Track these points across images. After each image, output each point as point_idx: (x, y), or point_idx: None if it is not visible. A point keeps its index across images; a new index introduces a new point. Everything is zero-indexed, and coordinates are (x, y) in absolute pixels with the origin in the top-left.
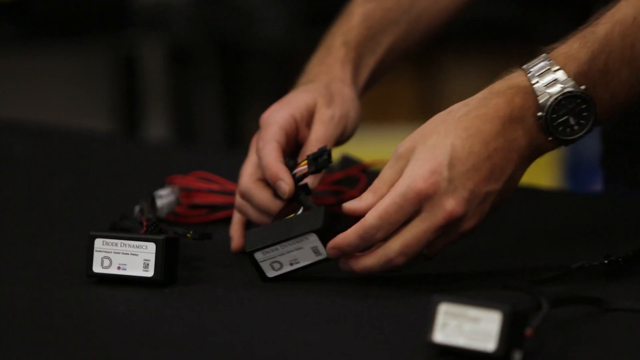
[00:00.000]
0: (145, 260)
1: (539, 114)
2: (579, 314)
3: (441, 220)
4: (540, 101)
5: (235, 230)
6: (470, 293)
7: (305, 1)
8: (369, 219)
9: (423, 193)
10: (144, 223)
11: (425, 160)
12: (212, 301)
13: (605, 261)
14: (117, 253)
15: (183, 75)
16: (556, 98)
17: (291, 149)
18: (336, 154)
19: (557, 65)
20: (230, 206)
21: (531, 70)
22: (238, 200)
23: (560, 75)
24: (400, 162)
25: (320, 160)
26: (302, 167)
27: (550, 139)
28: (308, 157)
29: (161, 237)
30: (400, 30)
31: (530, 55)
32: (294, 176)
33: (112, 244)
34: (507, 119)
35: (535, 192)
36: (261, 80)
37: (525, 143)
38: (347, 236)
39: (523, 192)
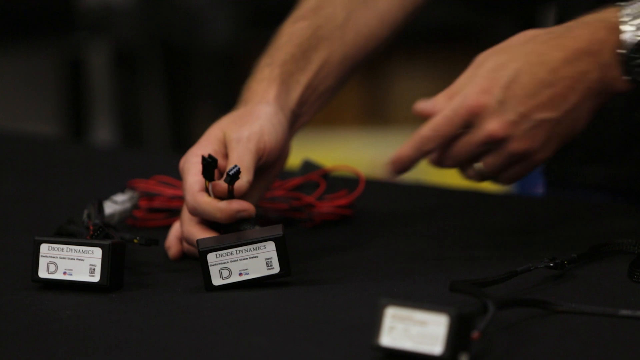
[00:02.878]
0: (91, 265)
1: (620, 50)
2: (525, 317)
3: (481, 138)
4: (623, 38)
5: (172, 240)
6: (417, 296)
7: (250, 3)
8: (423, 130)
9: (471, 110)
10: (91, 228)
11: (485, 79)
12: (159, 306)
13: (551, 264)
14: (63, 258)
15: (129, 78)
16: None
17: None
18: (298, 159)
19: None
20: None
21: (625, 8)
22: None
23: None
24: (473, 70)
25: (231, 172)
26: (222, 183)
27: (624, 78)
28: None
29: (107, 242)
30: (333, 46)
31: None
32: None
33: (57, 249)
34: (584, 51)
35: (480, 195)
36: (207, 83)
37: (596, 77)
38: (403, 148)
39: (468, 196)
